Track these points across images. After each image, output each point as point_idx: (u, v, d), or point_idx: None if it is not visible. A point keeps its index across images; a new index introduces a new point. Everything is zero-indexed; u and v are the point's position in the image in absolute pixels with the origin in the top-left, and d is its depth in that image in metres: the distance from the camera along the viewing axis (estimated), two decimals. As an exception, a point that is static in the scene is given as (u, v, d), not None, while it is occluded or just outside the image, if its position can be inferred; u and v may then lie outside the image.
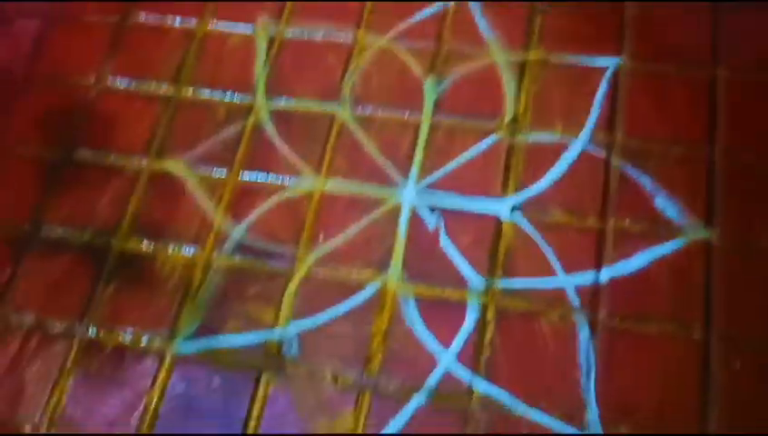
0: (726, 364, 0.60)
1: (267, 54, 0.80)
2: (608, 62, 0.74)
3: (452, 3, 0.78)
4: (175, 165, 0.76)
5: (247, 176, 0.75)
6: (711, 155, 0.68)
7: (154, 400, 0.65)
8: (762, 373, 0.59)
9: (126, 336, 0.68)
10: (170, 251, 0.72)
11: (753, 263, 0.63)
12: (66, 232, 0.73)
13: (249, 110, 0.78)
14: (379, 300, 0.67)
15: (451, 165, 0.72)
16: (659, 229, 0.66)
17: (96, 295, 0.70)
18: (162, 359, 0.67)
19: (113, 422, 0.65)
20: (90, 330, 0.68)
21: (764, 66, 0.71)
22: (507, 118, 0.73)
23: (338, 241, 0.70)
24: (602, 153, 0.70)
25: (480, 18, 0.77)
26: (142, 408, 0.65)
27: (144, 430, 0.64)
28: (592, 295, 0.64)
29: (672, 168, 0.68)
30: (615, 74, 0.73)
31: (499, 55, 0.75)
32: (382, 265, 0.68)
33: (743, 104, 0.70)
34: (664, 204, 0.66)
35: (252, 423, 0.63)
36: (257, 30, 0.81)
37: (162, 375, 0.66)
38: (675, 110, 0.71)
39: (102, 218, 0.74)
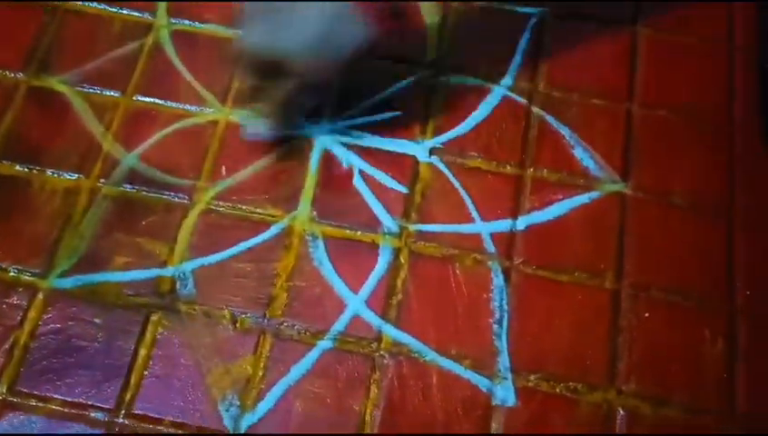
0: (635, 313, 0.60)
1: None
2: (533, 10, 0.72)
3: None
4: (59, 82, 0.68)
5: (143, 100, 0.68)
6: (629, 109, 0.68)
7: (23, 337, 0.58)
8: (668, 322, 0.60)
9: (-8, 267, 0.60)
10: (49, 175, 0.64)
11: (664, 216, 0.64)
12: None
13: (148, 28, 0.71)
14: (285, 239, 0.62)
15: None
16: (576, 179, 0.65)
17: (-42, 219, 0.61)
18: (34, 293, 0.59)
19: (-25, 356, 0.57)
20: (-52, 257, 0.60)
21: (682, 27, 0.72)
22: (429, 59, 0.70)
23: (242, 174, 0.65)
24: (523, 101, 0.68)
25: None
26: (9, 345, 0.57)
27: (12, 367, 0.56)
28: (507, 242, 0.62)
29: (591, 120, 0.67)
30: (540, 24, 0.72)
31: (423, -4, 0.73)
32: (290, 202, 0.64)
33: (661, 61, 0.71)
34: (582, 155, 0.66)
35: (139, 365, 0.57)
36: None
37: (33, 311, 0.59)
38: (597, 64, 0.70)
39: (-32, 134, 0.65)
